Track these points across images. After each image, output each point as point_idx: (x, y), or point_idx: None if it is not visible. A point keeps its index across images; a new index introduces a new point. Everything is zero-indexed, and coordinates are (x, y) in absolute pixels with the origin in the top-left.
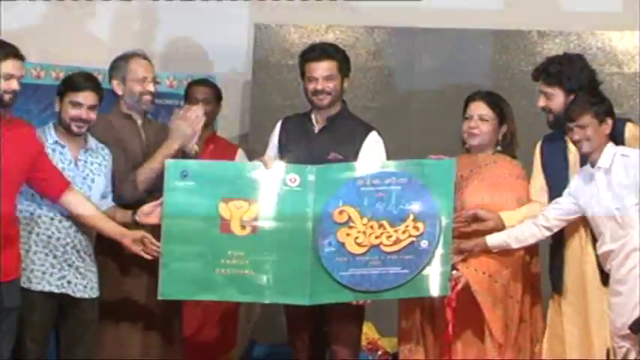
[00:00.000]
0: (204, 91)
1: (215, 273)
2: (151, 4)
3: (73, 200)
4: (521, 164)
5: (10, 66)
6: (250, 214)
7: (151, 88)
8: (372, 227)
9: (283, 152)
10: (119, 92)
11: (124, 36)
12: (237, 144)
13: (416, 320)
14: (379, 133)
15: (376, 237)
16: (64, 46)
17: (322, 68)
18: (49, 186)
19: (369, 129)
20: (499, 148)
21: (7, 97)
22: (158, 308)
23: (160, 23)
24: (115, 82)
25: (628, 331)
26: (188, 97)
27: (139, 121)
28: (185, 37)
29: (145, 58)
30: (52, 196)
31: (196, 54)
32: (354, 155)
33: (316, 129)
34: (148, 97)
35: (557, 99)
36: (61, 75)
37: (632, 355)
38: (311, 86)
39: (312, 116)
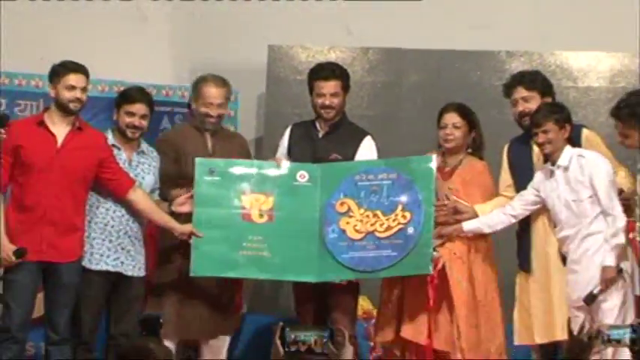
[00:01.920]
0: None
1: (238, 254)
2: (182, 27)
3: (136, 198)
4: (487, 163)
5: (72, 78)
6: (267, 204)
7: (213, 112)
8: (367, 216)
9: (292, 153)
10: (193, 109)
11: (159, 55)
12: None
13: (392, 297)
14: (373, 138)
15: (371, 225)
16: (107, 62)
17: (330, 86)
18: (116, 185)
19: (364, 134)
20: (470, 150)
21: (72, 105)
22: (216, 283)
23: (189, 44)
24: (192, 100)
25: (583, 304)
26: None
27: (208, 134)
28: (210, 56)
29: (216, 82)
30: (119, 194)
31: (220, 70)
32: (351, 156)
33: (320, 134)
34: (210, 120)
35: (535, 101)
36: (106, 89)
37: (587, 324)
38: (320, 101)
39: (317, 123)
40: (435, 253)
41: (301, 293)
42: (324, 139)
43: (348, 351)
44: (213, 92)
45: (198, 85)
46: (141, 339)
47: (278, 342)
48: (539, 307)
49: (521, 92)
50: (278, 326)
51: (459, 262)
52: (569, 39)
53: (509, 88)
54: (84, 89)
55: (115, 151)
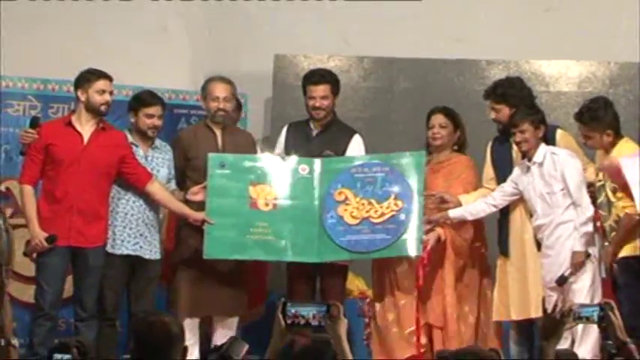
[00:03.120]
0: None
1: (246, 239)
2: (198, 39)
3: (153, 189)
4: (471, 158)
5: (102, 83)
6: (272, 194)
7: (220, 105)
8: (363, 204)
9: (289, 150)
10: (204, 107)
11: (178, 63)
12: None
13: (385, 282)
14: (361, 135)
15: (366, 211)
16: (131, 69)
17: (319, 90)
18: (136, 179)
19: (353, 132)
20: (455, 147)
21: (102, 108)
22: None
23: (204, 53)
24: (201, 99)
25: (555, 285)
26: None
27: (218, 131)
28: (223, 64)
29: (222, 80)
30: (138, 186)
31: (231, 77)
32: (342, 152)
33: (314, 133)
34: (219, 113)
35: (504, 112)
36: (130, 93)
37: (560, 303)
38: (311, 103)
39: (310, 123)
40: (424, 237)
41: (295, 275)
42: (317, 137)
43: (343, 324)
44: (218, 87)
45: (205, 84)
46: (155, 314)
47: (280, 316)
48: (515, 288)
49: (491, 103)
50: (280, 302)
51: (447, 244)
52: (543, 49)
53: (485, 97)
54: (111, 93)
55: (133, 148)
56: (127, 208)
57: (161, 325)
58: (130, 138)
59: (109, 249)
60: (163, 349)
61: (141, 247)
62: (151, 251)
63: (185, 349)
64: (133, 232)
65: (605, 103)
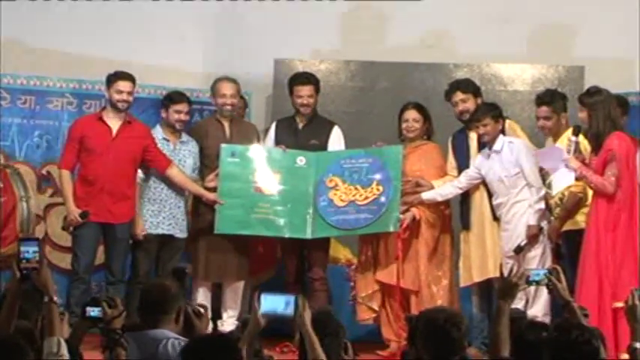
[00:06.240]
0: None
1: (251, 217)
2: (210, 45)
3: (172, 173)
4: (438, 145)
5: (120, 84)
6: (274, 180)
7: (227, 101)
8: (350, 189)
9: (279, 141)
10: (213, 103)
11: (193, 66)
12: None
13: (368, 254)
14: (339, 127)
15: (353, 195)
16: (154, 71)
17: (306, 90)
18: (157, 164)
19: (332, 124)
20: (425, 137)
21: (119, 104)
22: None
23: (215, 57)
24: (211, 97)
25: (512, 253)
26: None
27: (226, 123)
28: (231, 66)
29: (228, 80)
30: (160, 170)
31: (238, 78)
32: (325, 141)
33: (300, 126)
34: (226, 107)
35: (471, 101)
36: (152, 91)
37: (515, 268)
38: (299, 101)
39: (296, 118)
40: (401, 215)
41: (286, 250)
42: (303, 130)
43: (308, 315)
44: (225, 86)
45: (214, 84)
46: (159, 279)
47: (256, 304)
48: (476, 254)
49: (459, 95)
50: (256, 294)
51: (421, 221)
52: (502, 54)
53: (449, 94)
54: (130, 93)
55: (164, 142)
56: (162, 195)
57: (158, 287)
58: (161, 134)
59: (146, 228)
60: (159, 306)
61: (173, 227)
62: (181, 231)
63: (180, 310)
64: (165, 215)
65: (562, 93)
